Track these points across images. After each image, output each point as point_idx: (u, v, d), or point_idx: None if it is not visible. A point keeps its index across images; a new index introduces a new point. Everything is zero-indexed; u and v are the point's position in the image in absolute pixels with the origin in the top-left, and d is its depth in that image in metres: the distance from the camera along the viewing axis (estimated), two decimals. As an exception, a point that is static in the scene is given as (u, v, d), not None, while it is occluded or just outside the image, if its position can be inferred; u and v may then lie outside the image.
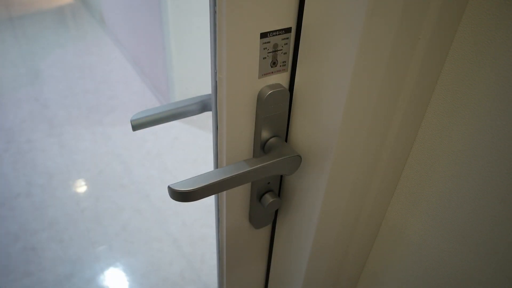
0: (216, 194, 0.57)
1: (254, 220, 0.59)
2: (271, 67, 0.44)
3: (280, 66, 0.45)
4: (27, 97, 2.82)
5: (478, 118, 0.41)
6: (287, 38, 0.43)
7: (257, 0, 0.39)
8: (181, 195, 0.44)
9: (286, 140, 0.52)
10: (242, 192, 0.56)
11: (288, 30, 0.43)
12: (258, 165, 0.46)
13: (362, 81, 0.39)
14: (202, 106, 0.55)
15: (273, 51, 0.43)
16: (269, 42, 0.42)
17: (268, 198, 0.56)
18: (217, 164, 0.54)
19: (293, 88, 0.47)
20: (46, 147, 2.41)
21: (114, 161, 2.32)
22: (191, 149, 2.46)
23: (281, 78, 0.46)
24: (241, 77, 0.43)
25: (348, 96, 0.40)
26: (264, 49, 0.42)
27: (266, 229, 0.65)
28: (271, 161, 0.46)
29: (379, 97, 0.42)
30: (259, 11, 0.40)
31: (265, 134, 0.49)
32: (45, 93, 2.87)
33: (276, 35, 0.42)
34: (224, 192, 0.54)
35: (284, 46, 0.44)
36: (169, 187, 0.44)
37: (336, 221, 0.54)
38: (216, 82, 0.44)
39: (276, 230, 0.65)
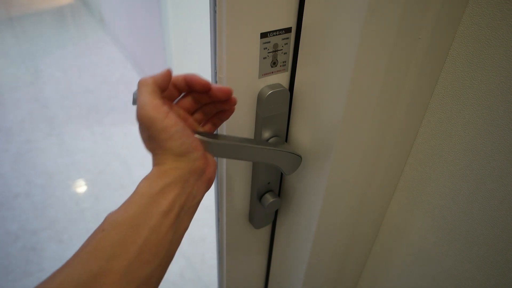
0: (216, 194, 0.57)
1: (254, 220, 0.59)
2: (271, 67, 0.44)
3: (280, 66, 0.45)
4: (27, 97, 2.82)
5: (478, 118, 0.41)
6: (287, 38, 0.43)
7: (257, 0, 0.39)
8: None
9: (286, 140, 0.52)
10: (242, 192, 0.56)
11: (288, 30, 0.43)
12: (262, 145, 0.45)
13: (362, 81, 0.39)
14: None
15: (273, 51, 0.43)
16: (269, 42, 0.42)
17: (268, 198, 0.56)
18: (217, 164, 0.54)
19: (293, 88, 0.47)
20: (46, 147, 2.40)
21: (114, 161, 2.32)
22: (191, 149, 2.45)
23: (281, 78, 0.46)
24: (241, 77, 0.43)
25: (348, 96, 0.40)
26: (264, 49, 0.42)
27: (266, 229, 0.65)
28: (275, 148, 0.46)
29: (379, 97, 0.42)
30: (259, 11, 0.40)
31: (265, 134, 0.49)
32: (45, 93, 2.87)
33: (276, 35, 0.42)
34: (224, 192, 0.54)
35: (284, 46, 0.44)
36: None
37: (336, 221, 0.54)
38: (216, 82, 0.44)
39: (276, 230, 0.65)
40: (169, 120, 0.34)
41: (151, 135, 0.35)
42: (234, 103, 0.40)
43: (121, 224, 0.31)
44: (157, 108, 0.34)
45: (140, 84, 0.36)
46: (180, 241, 0.36)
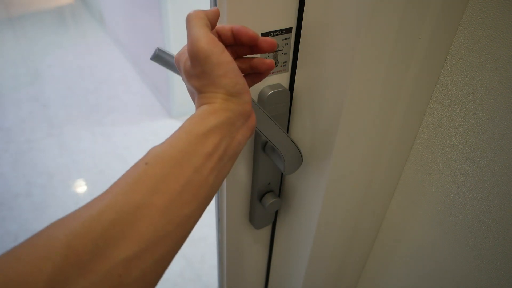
0: (216, 194, 0.57)
1: (254, 220, 0.59)
2: (272, 67, 0.44)
3: (281, 66, 0.45)
4: (27, 97, 2.82)
5: (478, 118, 0.41)
6: (288, 39, 0.43)
7: (257, 1, 0.39)
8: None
9: (286, 140, 0.52)
10: (242, 192, 0.56)
11: (288, 30, 0.43)
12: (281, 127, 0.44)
13: (362, 81, 0.39)
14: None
15: (273, 52, 0.43)
16: (269, 42, 0.42)
17: (269, 199, 0.56)
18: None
19: (293, 88, 0.47)
20: (46, 147, 2.41)
21: (114, 161, 2.32)
22: (191, 149, 2.45)
23: (282, 78, 0.46)
24: (241, 77, 0.43)
25: (348, 96, 0.40)
26: (264, 49, 0.42)
27: (266, 229, 0.65)
28: (288, 135, 0.44)
29: (379, 97, 0.42)
30: (260, 11, 0.40)
31: (265, 134, 0.49)
32: (45, 93, 2.87)
33: (276, 35, 0.42)
34: (225, 192, 0.54)
35: (285, 47, 0.44)
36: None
37: (336, 221, 0.54)
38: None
39: (276, 230, 0.65)
40: (226, 56, 0.33)
41: (204, 70, 0.33)
42: (271, 66, 0.39)
43: (166, 160, 0.31)
44: (214, 41, 0.33)
45: (192, 16, 0.34)
46: (219, 186, 0.35)
